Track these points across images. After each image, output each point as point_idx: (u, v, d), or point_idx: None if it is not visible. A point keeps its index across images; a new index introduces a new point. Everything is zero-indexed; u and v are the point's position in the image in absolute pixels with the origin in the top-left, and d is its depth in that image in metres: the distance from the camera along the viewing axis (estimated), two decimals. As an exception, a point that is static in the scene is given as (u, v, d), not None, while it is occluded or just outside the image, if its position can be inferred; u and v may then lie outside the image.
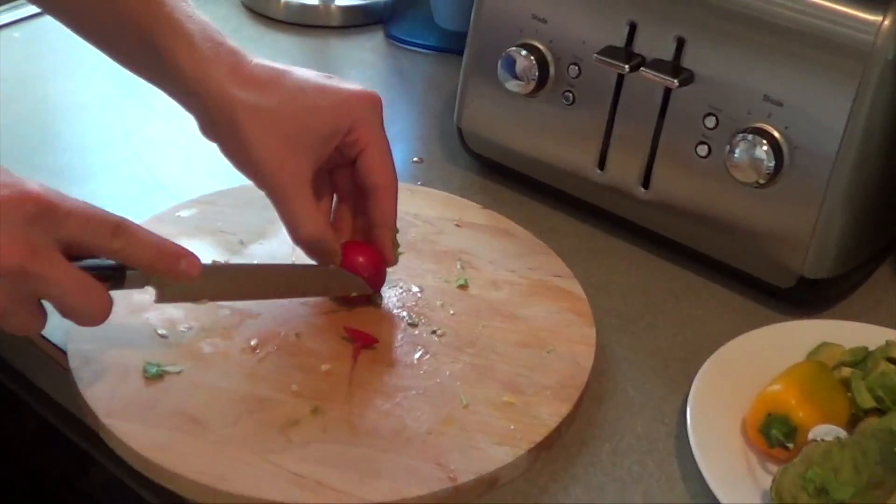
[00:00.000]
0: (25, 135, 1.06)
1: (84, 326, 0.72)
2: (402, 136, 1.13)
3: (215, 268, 0.82)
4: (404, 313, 0.85)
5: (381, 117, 0.82)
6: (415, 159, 1.08)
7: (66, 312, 0.70)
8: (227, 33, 0.80)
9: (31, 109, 1.10)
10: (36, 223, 0.66)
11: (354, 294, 0.83)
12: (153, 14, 0.77)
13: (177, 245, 0.73)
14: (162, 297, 0.76)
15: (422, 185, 1.03)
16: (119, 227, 0.70)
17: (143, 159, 1.04)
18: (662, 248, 0.97)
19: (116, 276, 0.72)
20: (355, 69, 1.26)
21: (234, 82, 0.77)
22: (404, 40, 1.30)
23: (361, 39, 1.31)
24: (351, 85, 0.81)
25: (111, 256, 0.71)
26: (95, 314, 0.71)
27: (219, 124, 0.78)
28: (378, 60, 1.28)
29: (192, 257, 0.74)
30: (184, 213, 0.92)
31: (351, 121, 0.80)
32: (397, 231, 0.84)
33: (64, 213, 0.68)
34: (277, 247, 0.89)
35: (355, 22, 1.34)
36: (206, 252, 0.87)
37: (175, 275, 0.73)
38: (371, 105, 0.81)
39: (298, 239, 0.80)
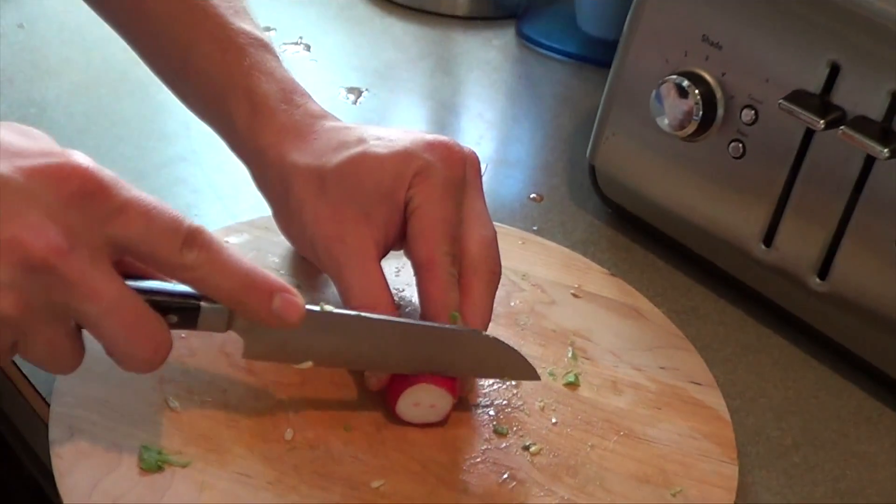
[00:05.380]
0: (73, 111, 0.88)
1: (127, 371, 0.53)
2: (521, 163, 0.93)
3: (327, 316, 0.57)
4: (491, 412, 0.65)
5: (458, 174, 0.62)
6: (532, 196, 0.88)
7: (105, 346, 0.52)
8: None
9: (86, 79, 0.93)
10: (80, 207, 0.49)
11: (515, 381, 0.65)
12: (229, 64, 0.66)
13: (272, 276, 0.54)
14: (251, 352, 0.57)
15: (537, 230, 0.83)
16: (194, 236, 0.51)
17: (201, 159, 0.86)
18: (832, 357, 0.77)
19: (186, 310, 0.53)
20: (477, 69, 1.06)
21: (296, 148, 0.63)
22: (539, 42, 1.11)
23: (489, 35, 1.11)
24: (439, 136, 0.64)
25: (180, 277, 0.52)
26: (145, 358, 0.52)
27: (273, 188, 0.66)
28: (505, 62, 1.08)
29: (290, 294, 0.54)
30: (233, 239, 0.74)
31: (412, 171, 0.61)
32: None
33: (120, 204, 0.50)
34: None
35: (484, 14, 1.14)
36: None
37: (264, 317, 0.53)
38: (443, 153, 0.62)
39: (349, 307, 0.61)
